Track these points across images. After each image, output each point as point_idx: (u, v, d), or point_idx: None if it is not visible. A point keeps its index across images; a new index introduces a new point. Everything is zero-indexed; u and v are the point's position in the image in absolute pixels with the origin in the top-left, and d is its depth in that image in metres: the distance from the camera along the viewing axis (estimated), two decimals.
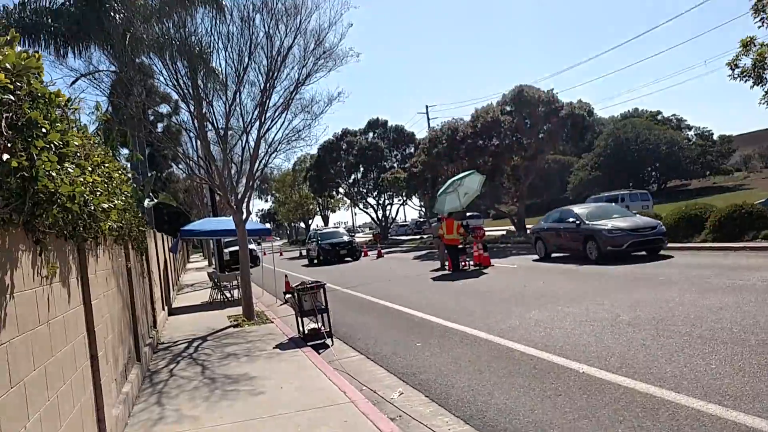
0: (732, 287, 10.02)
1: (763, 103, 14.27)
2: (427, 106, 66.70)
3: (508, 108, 28.58)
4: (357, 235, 71.85)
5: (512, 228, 32.74)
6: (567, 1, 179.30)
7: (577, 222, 17.04)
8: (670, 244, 17.53)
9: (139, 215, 10.97)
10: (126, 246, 8.48)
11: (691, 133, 67.85)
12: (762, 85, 14.17)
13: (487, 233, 21.41)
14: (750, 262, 12.85)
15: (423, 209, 64.15)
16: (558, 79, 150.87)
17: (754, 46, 14.17)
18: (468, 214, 38.40)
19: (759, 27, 14.08)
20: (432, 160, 30.26)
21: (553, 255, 18.82)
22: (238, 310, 14.03)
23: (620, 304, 9.82)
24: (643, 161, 59.75)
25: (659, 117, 70.77)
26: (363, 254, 33.86)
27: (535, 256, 19.67)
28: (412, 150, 48.66)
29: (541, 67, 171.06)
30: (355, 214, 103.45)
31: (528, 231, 27.29)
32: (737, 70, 14.47)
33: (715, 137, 65.57)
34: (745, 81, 14.32)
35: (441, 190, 20.50)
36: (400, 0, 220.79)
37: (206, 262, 43.61)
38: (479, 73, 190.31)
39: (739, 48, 14.51)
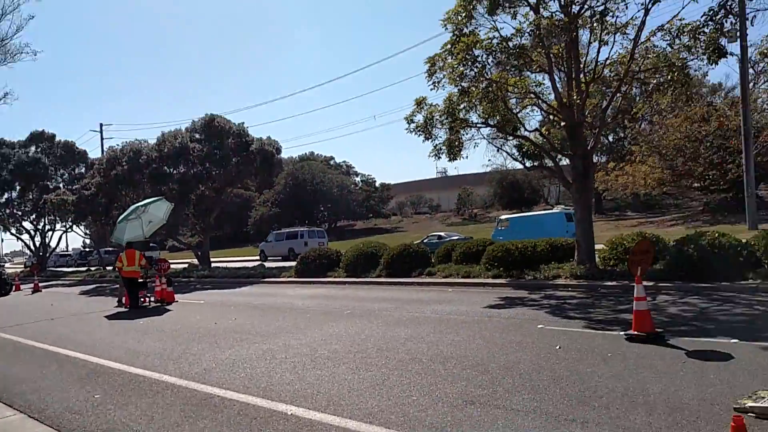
0: (411, 319, 11.03)
1: (432, 155, 16.39)
2: (101, 124, 60.88)
3: (197, 135, 27.70)
4: (5, 265, 61.40)
5: (195, 261, 31.54)
6: (260, 40, 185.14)
7: None
8: (349, 279, 18.81)
9: None
10: None
11: (358, 179, 75.35)
12: (431, 140, 16.27)
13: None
14: (421, 296, 14.42)
15: (90, 239, 57.97)
16: (247, 114, 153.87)
17: (426, 105, 16.23)
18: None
19: (431, 89, 16.21)
20: (109, 183, 27.49)
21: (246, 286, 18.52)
22: None
23: (316, 338, 9.97)
24: (317, 201, 64.03)
25: (332, 162, 77.13)
26: (15, 288, 28.86)
27: (225, 290, 19.11)
28: (83, 170, 43.74)
29: (232, 99, 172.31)
30: (2, 240, 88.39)
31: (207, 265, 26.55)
32: (412, 125, 16.38)
33: (377, 184, 73.88)
34: (418, 135, 16.28)
35: (122, 217, 18.60)
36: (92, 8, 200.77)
37: None
38: (163, 97, 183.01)
39: (414, 106, 16.47)
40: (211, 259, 30.97)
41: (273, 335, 10.59)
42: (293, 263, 23.90)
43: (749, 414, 4.84)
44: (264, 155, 26.98)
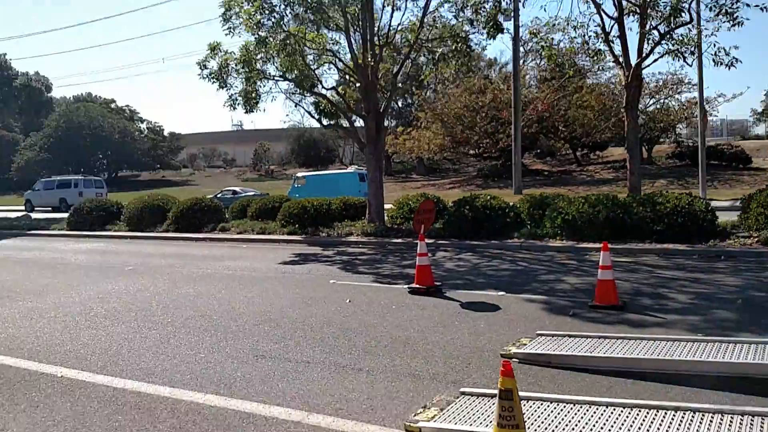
0: (202, 276, 10.64)
1: (228, 105, 15.75)
2: None
3: None
4: None
5: None
6: None
7: None
8: (132, 234, 17.54)
9: None
10: None
11: (143, 126, 69.81)
12: (226, 89, 15.61)
13: None
14: (213, 252, 13.95)
15: None
16: (13, 45, 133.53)
17: (221, 51, 15.48)
18: None
19: (226, 35, 15.42)
20: None
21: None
22: None
23: (92, 296, 9.19)
24: (95, 148, 58.40)
25: (113, 105, 70.20)
26: None
27: None
28: None
29: None
30: None
31: None
32: (206, 71, 15.55)
33: (166, 133, 69.23)
34: (213, 82, 15.51)
35: None
36: None
37: None
38: None
39: (208, 51, 15.61)
40: None
41: (40, 293, 9.52)
42: (66, 215, 21.65)
43: (513, 360, 5.47)
44: (30, 92, 23.78)
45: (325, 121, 18.17)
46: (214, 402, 4.86)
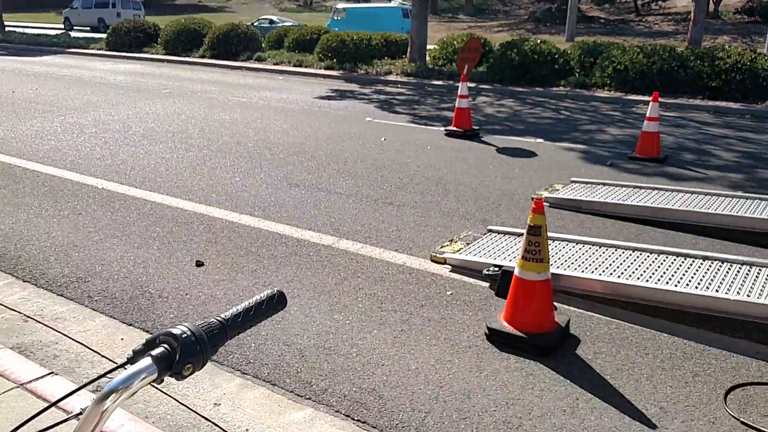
0: (237, 104, 10.59)
1: None
2: None
3: None
4: None
5: None
6: None
7: None
8: (168, 57, 17.33)
9: None
10: None
11: None
12: None
13: None
14: (249, 81, 13.77)
15: None
16: None
17: None
18: None
19: None
20: None
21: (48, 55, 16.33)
22: None
23: (130, 115, 9.28)
24: None
25: None
26: None
27: (24, 58, 16.73)
28: None
29: None
30: None
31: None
32: None
33: None
34: None
35: None
36: None
37: None
38: None
39: None
40: (5, 23, 26.56)
41: (81, 109, 9.65)
42: (102, 35, 21.33)
43: (545, 204, 5.46)
44: None
45: None
46: (248, 222, 5.01)
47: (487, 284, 3.91)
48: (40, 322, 3.52)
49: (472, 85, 12.45)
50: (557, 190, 5.74)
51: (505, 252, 4.15)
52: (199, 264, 4.22)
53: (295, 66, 15.51)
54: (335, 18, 27.09)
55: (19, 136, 7.77)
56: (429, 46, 15.73)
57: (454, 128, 8.40)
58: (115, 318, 3.57)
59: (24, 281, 4.04)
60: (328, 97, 11.81)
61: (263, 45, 17.40)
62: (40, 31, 27.78)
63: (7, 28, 26.02)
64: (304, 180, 6.18)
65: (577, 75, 12.73)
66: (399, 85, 13.65)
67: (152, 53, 18.02)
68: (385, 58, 15.25)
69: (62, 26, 35.31)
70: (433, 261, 4.23)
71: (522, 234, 3.92)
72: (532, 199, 5.54)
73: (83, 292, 3.87)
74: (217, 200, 5.53)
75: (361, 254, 4.41)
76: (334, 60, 15.15)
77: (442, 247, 4.36)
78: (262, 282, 4.00)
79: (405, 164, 6.90)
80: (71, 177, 6.15)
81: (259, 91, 12.25)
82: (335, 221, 5.06)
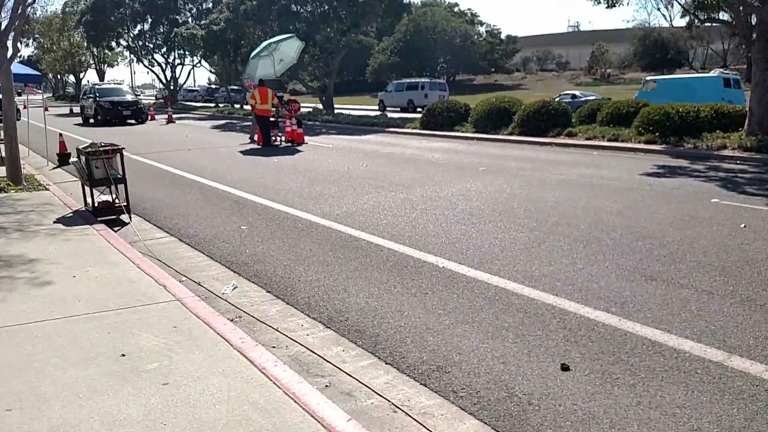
0: (557, 181, 10.20)
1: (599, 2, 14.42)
2: None
3: None
4: (139, 95, 65.10)
5: (318, 106, 31.53)
6: None
7: None
8: (478, 135, 17.94)
9: None
10: None
11: (482, 29, 70.65)
12: None
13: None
14: (561, 157, 13.40)
15: (216, 75, 59.52)
16: None
17: None
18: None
19: None
20: (237, 19, 27.24)
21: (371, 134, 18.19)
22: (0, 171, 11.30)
23: (454, 192, 9.49)
24: (437, 52, 61.29)
25: (456, 9, 72.33)
26: (150, 117, 30.35)
27: (350, 136, 18.96)
28: (210, 5, 43.90)
29: None
30: (135, 72, 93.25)
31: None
32: None
33: (502, 36, 69.18)
34: None
35: (254, 53, 18.37)
36: None
37: None
38: None
39: None
40: (334, 105, 30.85)
41: (408, 185, 10.20)
42: (412, 115, 23.09)
43: None
44: None
45: (683, 20, 15.55)
46: (605, 320, 4.42)
47: None
48: (409, 415, 3.37)
49: None
50: None
51: None
52: (565, 368, 3.74)
53: (609, 140, 14.71)
54: (644, 90, 25.56)
55: (360, 210, 8.40)
56: None
57: None
58: (486, 423, 3.26)
59: (386, 363, 4.01)
60: (656, 174, 10.75)
61: (573, 120, 16.98)
62: (361, 112, 31.52)
63: (335, 110, 30.11)
64: (660, 272, 5.38)
65: None
66: (738, 161, 11.93)
67: (462, 131, 18.86)
68: (717, 131, 13.57)
69: (377, 107, 39.73)
70: None
71: None
72: None
73: (446, 384, 3.67)
74: (563, 290, 5.05)
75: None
76: (656, 134, 13.97)
77: None
78: (646, 402, 3.35)
79: None
80: (411, 253, 6.28)
81: (575, 167, 11.73)
82: (717, 329, 4.19)
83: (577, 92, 31.44)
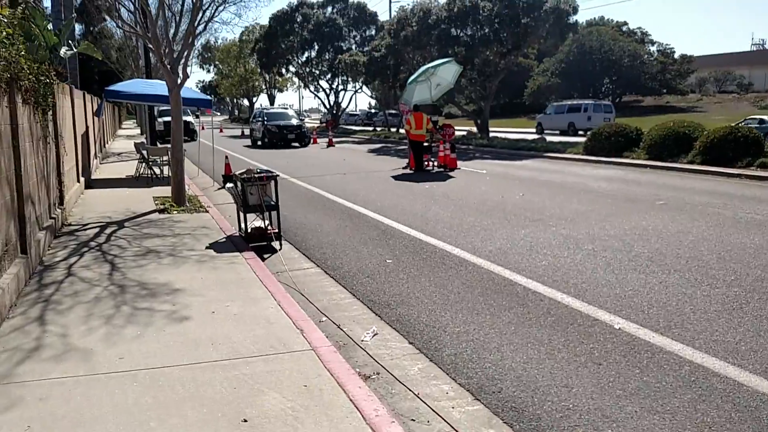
0: (754, 222, 8.62)
1: None
2: None
3: None
4: (304, 120, 68.78)
5: (472, 129, 30.89)
6: None
7: None
8: (651, 163, 16.21)
9: (46, 63, 8.53)
10: (11, 96, 6.20)
11: (653, 48, 65.92)
12: None
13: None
14: (755, 192, 11.51)
15: (376, 100, 61.21)
16: None
17: None
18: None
19: None
20: (398, 45, 27.46)
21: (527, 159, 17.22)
22: (166, 191, 11.90)
23: (626, 230, 8.31)
24: (603, 72, 58.10)
25: (624, 28, 68.23)
26: (312, 141, 31.53)
27: (506, 162, 18.07)
28: (373, 32, 45.19)
29: None
30: (303, 97, 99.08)
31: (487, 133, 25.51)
32: None
33: (676, 55, 64.10)
34: None
35: (412, 78, 18.18)
36: None
37: (139, 131, 40.24)
38: None
39: None
40: (489, 129, 30.02)
41: (571, 219, 9.16)
42: (573, 139, 21.58)
43: None
44: (558, 14, 24.16)
45: None
46: None
47: None
48: None
49: None
50: None
51: None
52: None
53: None
54: None
55: (515, 247, 7.57)
56: None
57: None
58: None
59: None
60: None
61: (766, 149, 14.74)
62: (517, 135, 30.35)
63: (490, 134, 29.25)
64: None
65: None
66: None
67: (633, 158, 17.19)
68: None
69: (533, 130, 38.20)
70: None
71: None
72: None
73: None
74: None
75: None
76: None
77: None
78: None
79: None
80: (578, 307, 5.36)
81: None
82: None
83: (765, 117, 27.77)
